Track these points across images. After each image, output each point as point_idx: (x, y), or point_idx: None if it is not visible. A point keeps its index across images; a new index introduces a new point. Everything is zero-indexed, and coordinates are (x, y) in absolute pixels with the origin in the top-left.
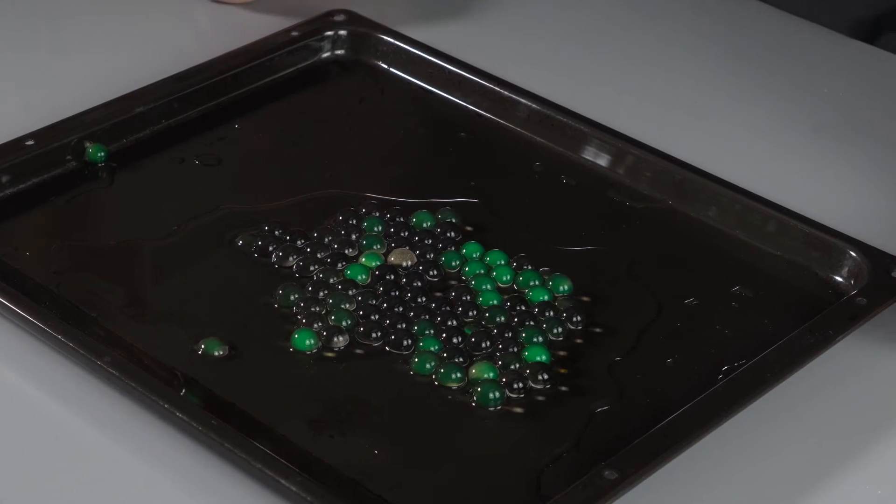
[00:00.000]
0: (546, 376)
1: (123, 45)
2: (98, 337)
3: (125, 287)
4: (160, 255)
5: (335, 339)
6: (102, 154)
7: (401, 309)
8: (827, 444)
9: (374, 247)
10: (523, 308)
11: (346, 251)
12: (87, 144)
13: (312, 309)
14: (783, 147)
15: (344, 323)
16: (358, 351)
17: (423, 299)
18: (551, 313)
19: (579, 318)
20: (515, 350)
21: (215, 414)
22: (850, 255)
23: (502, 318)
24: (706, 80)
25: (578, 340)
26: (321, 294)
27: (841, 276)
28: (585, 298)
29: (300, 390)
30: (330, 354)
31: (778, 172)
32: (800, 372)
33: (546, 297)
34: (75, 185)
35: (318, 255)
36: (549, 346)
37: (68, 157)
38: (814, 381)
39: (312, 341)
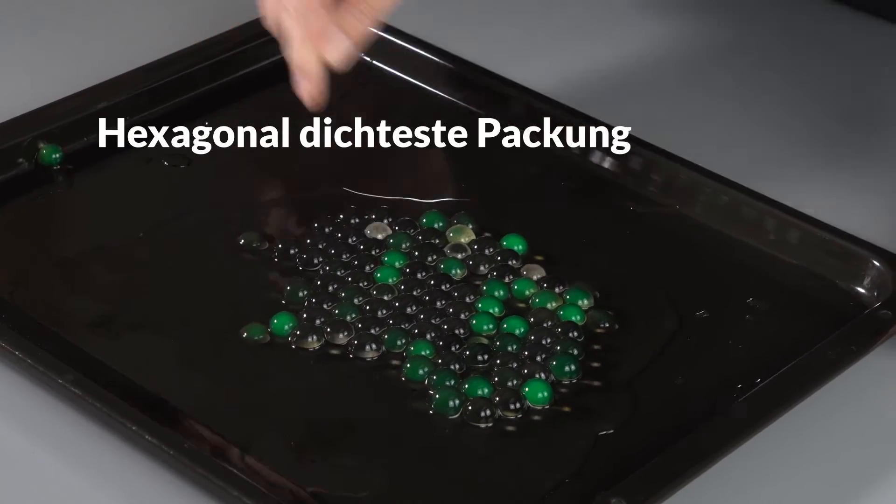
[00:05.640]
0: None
1: (84, 34)
2: (58, 353)
3: (87, 298)
4: (125, 264)
5: (339, 336)
6: (57, 156)
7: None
8: (850, 467)
9: (396, 264)
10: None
11: (366, 268)
12: (41, 145)
13: (319, 305)
14: (801, 148)
15: (349, 317)
16: (333, 352)
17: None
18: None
19: (573, 367)
20: (515, 366)
21: (188, 437)
22: (874, 264)
23: (514, 347)
24: (718, 75)
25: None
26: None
27: (863, 288)
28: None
29: (282, 407)
30: (312, 359)
31: (795, 175)
32: (820, 391)
33: (578, 318)
34: (29, 189)
35: (339, 273)
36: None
37: (20, 159)
38: (835, 401)
39: (291, 325)
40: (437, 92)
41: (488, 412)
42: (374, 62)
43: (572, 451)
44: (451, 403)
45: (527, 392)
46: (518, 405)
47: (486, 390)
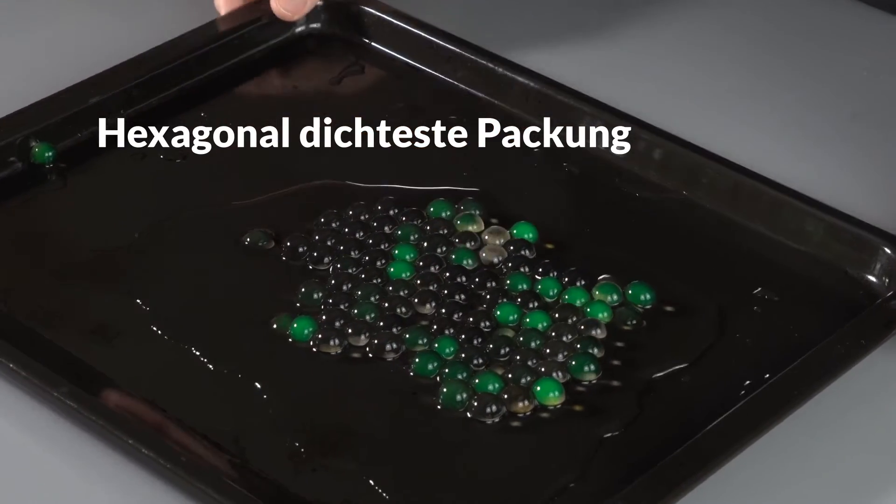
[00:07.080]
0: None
1: (73, 28)
2: (54, 363)
3: (84, 304)
4: (123, 266)
5: (360, 338)
6: (50, 154)
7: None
8: (861, 466)
9: (407, 258)
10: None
11: (378, 263)
12: (34, 143)
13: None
14: (810, 133)
15: (368, 317)
16: (353, 354)
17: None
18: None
19: (593, 367)
20: (534, 364)
21: (185, 450)
22: (885, 251)
23: (538, 343)
24: (725, 56)
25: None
26: (345, 288)
27: (874, 276)
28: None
29: (284, 413)
30: (318, 362)
31: (805, 160)
32: (830, 387)
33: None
34: (23, 190)
35: (351, 271)
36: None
37: (12, 158)
38: (846, 397)
39: (311, 329)
40: (436, 74)
41: (494, 408)
42: (373, 43)
43: (577, 453)
44: (458, 397)
45: (538, 391)
46: (526, 403)
47: (496, 386)
